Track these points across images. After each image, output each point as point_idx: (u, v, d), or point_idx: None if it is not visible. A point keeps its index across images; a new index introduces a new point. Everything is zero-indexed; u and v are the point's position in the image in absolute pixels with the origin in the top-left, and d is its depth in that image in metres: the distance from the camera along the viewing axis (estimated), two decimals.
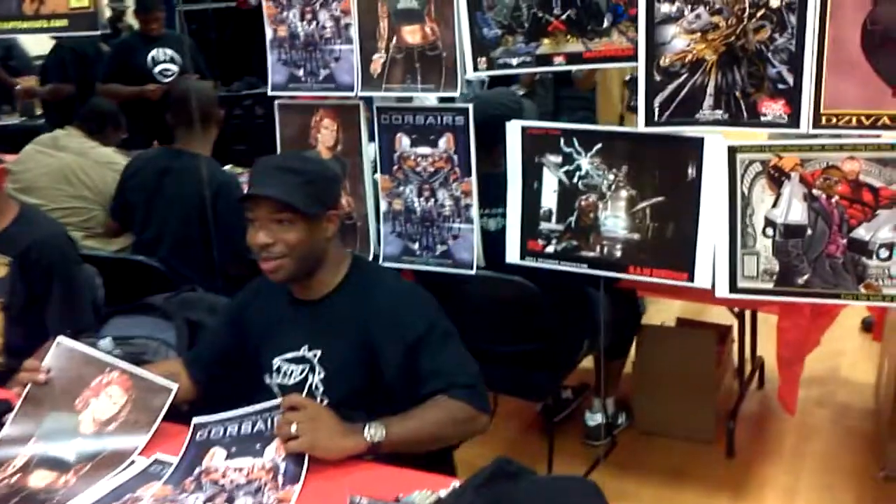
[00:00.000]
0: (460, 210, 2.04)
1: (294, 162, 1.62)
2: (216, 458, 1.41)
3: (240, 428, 1.45)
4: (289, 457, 1.36)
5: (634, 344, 2.85)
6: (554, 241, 1.95)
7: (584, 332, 2.47)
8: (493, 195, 2.05)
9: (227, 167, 4.08)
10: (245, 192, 1.63)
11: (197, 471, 1.39)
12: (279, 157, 1.86)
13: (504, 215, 2.04)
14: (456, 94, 1.93)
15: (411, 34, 1.95)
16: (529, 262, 1.99)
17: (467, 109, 1.96)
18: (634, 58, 1.73)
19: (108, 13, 6.65)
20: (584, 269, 1.94)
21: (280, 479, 1.34)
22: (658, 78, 1.71)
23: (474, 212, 2.02)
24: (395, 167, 2.08)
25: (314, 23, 2.05)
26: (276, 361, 1.62)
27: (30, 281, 2.19)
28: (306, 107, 2.17)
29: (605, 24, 1.75)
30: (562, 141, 1.89)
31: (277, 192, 1.50)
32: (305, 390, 1.55)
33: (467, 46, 1.88)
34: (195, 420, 1.49)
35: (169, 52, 4.46)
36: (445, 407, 1.48)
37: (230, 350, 1.71)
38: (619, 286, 2.20)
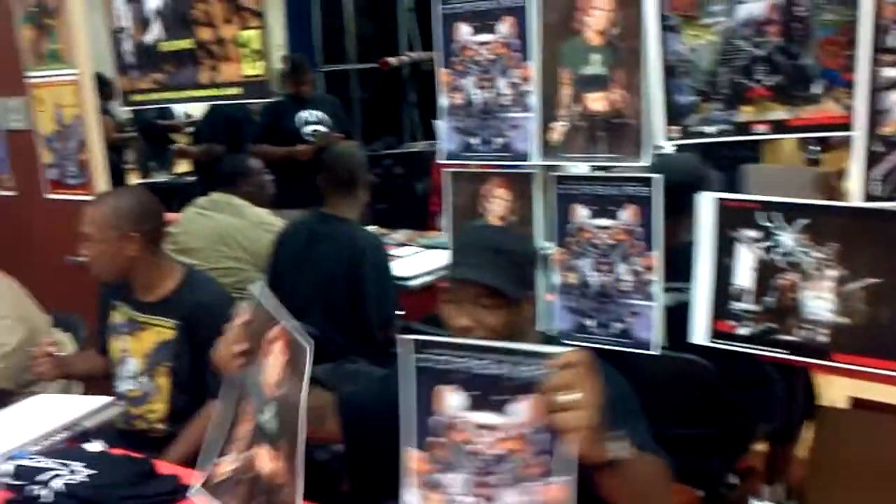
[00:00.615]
0: (641, 286, 1.91)
1: (501, 240, 1.57)
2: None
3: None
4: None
5: (808, 426, 2.62)
6: (748, 323, 1.80)
7: (760, 414, 2.29)
8: (670, 269, 1.91)
9: (371, 228, 4.11)
10: (450, 271, 1.56)
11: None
12: (485, 234, 1.75)
13: (681, 290, 1.91)
14: (643, 163, 1.82)
15: (596, 101, 1.86)
16: (719, 345, 1.84)
17: (654, 180, 1.85)
18: (848, 126, 1.58)
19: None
20: (782, 355, 1.77)
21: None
22: (879, 148, 1.55)
23: (657, 288, 1.89)
24: (571, 239, 1.98)
25: (492, 90, 2.00)
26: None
27: (196, 345, 2.19)
28: (477, 175, 2.11)
29: (816, 90, 1.61)
30: (760, 214, 1.75)
31: (488, 278, 1.43)
32: None
33: (659, 114, 1.78)
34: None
35: (317, 113, 4.57)
36: (666, 470, 1.31)
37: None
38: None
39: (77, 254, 2.54)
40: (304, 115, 4.55)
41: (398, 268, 3.17)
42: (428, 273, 3.23)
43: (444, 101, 2.09)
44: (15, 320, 2.51)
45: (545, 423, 1.08)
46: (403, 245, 3.83)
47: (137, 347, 2.29)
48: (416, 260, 3.49)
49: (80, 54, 2.94)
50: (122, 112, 5.91)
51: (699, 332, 1.85)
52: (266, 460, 1.41)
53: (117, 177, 6.10)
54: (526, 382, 1.08)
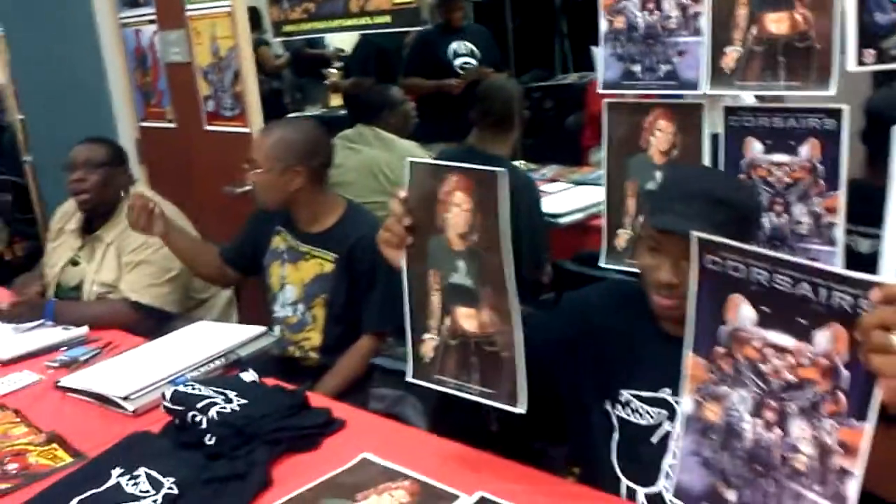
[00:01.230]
0: (821, 229, 1.73)
1: (720, 187, 1.40)
2: None
3: None
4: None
5: None
6: None
7: None
8: (871, 210, 1.71)
9: (519, 163, 4.00)
10: (652, 215, 1.43)
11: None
12: (701, 177, 1.52)
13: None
14: (830, 93, 1.63)
15: (777, 22, 1.66)
16: None
17: (840, 111, 1.65)
18: None
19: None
20: None
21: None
22: None
23: (839, 232, 1.71)
24: (742, 176, 1.82)
25: (657, 12, 1.83)
26: (626, 394, 1.44)
27: (353, 279, 2.21)
28: (639, 106, 1.96)
29: None
30: None
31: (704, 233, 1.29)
32: (657, 439, 1.36)
33: (852, 34, 1.57)
34: None
35: (468, 45, 4.46)
36: None
37: (562, 341, 1.56)
38: None
39: (234, 183, 2.60)
40: (455, 46, 4.44)
41: (547, 204, 3.06)
42: (578, 210, 3.11)
43: (604, 24, 1.94)
44: None
45: (852, 360, 0.95)
46: (553, 181, 3.71)
47: (297, 276, 2.33)
48: (565, 196, 3.37)
49: None
50: (279, 44, 6.02)
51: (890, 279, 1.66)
52: (468, 318, 1.36)
53: (279, 108, 6.27)
54: (834, 310, 0.95)
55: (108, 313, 2.48)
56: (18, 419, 1.84)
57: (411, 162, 1.42)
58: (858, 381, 0.95)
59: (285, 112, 6.52)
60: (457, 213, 1.33)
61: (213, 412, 1.61)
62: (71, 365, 2.14)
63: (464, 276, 1.36)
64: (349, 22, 2.53)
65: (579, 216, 3.09)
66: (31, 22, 3.92)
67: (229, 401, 1.66)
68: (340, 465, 1.51)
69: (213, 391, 1.69)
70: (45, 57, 3.90)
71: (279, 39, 3.20)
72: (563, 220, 3.05)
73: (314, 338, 2.30)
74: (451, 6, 4.46)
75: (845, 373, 0.97)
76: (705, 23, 1.77)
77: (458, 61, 4.42)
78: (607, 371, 1.48)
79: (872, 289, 0.92)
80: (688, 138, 1.88)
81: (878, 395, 0.93)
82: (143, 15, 3.44)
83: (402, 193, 1.39)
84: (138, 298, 2.49)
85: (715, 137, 1.86)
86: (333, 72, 5.63)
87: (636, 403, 1.43)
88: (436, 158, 3.14)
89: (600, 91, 1.99)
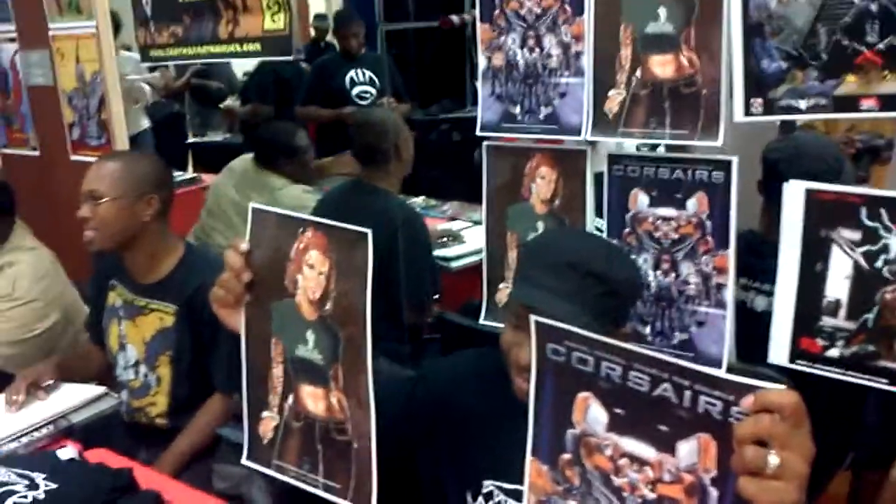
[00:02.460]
0: (709, 290, 1.60)
1: (600, 261, 1.23)
2: None
3: None
4: None
5: None
6: (840, 343, 1.47)
7: (848, 443, 1.97)
8: (768, 265, 1.57)
9: (418, 199, 3.84)
10: (514, 286, 1.27)
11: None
12: (579, 247, 1.31)
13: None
14: (716, 143, 1.50)
15: (662, 65, 1.53)
16: (801, 367, 1.52)
17: (729, 163, 1.52)
18: None
19: (312, 33, 6.68)
20: (881, 384, 1.44)
21: None
22: None
23: (729, 295, 1.57)
24: (627, 231, 1.67)
25: (537, 50, 1.69)
26: (489, 485, 1.26)
27: (196, 331, 1.97)
28: (520, 150, 1.80)
29: None
30: (863, 212, 1.41)
31: (565, 312, 1.11)
32: None
33: (739, 83, 1.45)
34: None
35: (367, 72, 4.30)
36: None
37: (419, 419, 1.37)
38: None
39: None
40: (353, 74, 4.29)
41: (442, 247, 2.90)
42: (472, 253, 2.94)
43: (482, 61, 1.78)
44: (48, 304, 2.35)
45: (722, 476, 0.79)
46: (453, 219, 3.54)
47: (136, 334, 2.07)
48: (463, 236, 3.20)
49: (98, 4, 2.71)
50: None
51: (779, 350, 1.53)
52: (314, 399, 1.16)
53: (181, 133, 5.98)
54: (701, 417, 0.79)
55: None
56: None
57: (255, 209, 1.20)
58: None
59: (186, 138, 6.25)
60: (310, 276, 1.13)
61: (10, 503, 1.37)
62: None
63: (312, 349, 1.16)
64: (218, 49, 2.32)
65: (473, 259, 2.91)
66: None
67: (34, 487, 1.42)
68: None
69: (16, 475, 1.44)
70: None
71: (146, 65, 2.96)
72: (454, 264, 2.88)
73: (160, 402, 2.05)
74: (346, 33, 4.30)
75: (714, 492, 0.80)
76: (588, 63, 1.63)
77: (355, 90, 4.27)
78: (468, 458, 1.30)
79: (746, 395, 0.76)
80: (571, 186, 1.73)
81: None
82: (4, 32, 3.15)
83: (244, 245, 1.18)
84: None
85: (601, 180, 1.72)
86: (228, 103, 5.41)
87: (500, 496, 1.26)
88: (326, 193, 2.96)
89: (479, 133, 1.82)
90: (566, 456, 0.91)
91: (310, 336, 1.15)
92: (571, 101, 1.66)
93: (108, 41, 2.75)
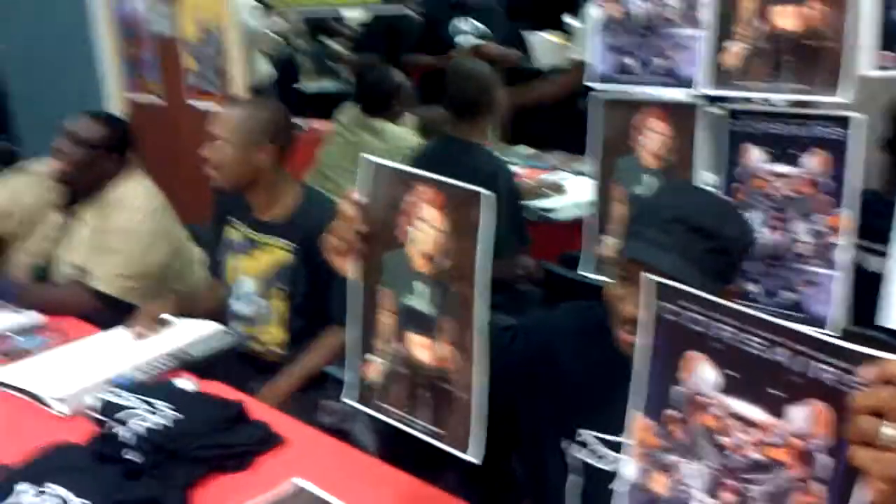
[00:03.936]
0: (822, 250, 1.55)
1: (710, 217, 1.20)
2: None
3: None
4: None
5: None
6: None
7: None
8: (884, 226, 1.51)
9: (520, 148, 3.82)
10: (623, 242, 1.27)
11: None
12: (689, 202, 1.27)
13: None
14: (841, 99, 1.44)
15: (786, 17, 1.48)
16: None
17: (854, 120, 1.47)
18: None
19: None
20: None
21: None
22: None
23: (843, 255, 1.53)
24: (740, 186, 1.64)
25: (656, 1, 1.65)
26: (585, 434, 1.28)
27: (313, 269, 2.05)
28: (631, 103, 1.78)
29: None
30: None
31: (670, 264, 1.12)
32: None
33: (869, 34, 1.39)
34: None
35: (473, 22, 4.25)
36: None
37: (520, 367, 1.39)
38: None
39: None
40: (458, 23, 4.24)
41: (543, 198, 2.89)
42: (575, 205, 2.91)
43: (597, 11, 1.76)
44: (158, 237, 2.42)
45: (835, 445, 0.78)
46: (555, 170, 3.51)
47: (253, 267, 2.18)
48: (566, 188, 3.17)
49: None
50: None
51: (890, 312, 1.48)
52: (422, 348, 1.20)
53: (292, 76, 6.07)
54: (816, 383, 0.78)
55: (69, 300, 2.32)
56: None
57: (369, 161, 1.23)
58: (841, 473, 0.78)
59: (296, 81, 6.35)
60: (424, 229, 1.15)
61: (135, 423, 1.47)
62: (15, 355, 2.00)
63: (423, 300, 1.19)
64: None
65: (576, 212, 2.89)
66: None
67: (156, 413, 1.51)
68: (268, 489, 1.37)
69: (141, 401, 1.54)
70: (33, 21, 3.76)
71: (274, 14, 3.04)
72: (556, 216, 2.86)
73: (274, 332, 2.16)
74: None
75: (825, 460, 0.79)
76: (708, 14, 1.59)
77: (461, 39, 4.22)
78: (566, 406, 1.32)
79: (866, 364, 0.75)
80: (681, 141, 1.70)
81: (862, 498, 0.75)
82: None
83: (357, 196, 1.22)
84: (105, 288, 2.33)
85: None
86: (336, 46, 5.46)
87: (598, 446, 1.27)
88: (417, 149, 2.98)
89: (589, 83, 1.81)
90: (672, 412, 0.91)
91: (419, 287, 1.18)
92: (688, 54, 1.63)
93: None
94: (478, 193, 1.07)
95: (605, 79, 1.78)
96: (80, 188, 2.45)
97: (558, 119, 5.03)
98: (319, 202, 2.16)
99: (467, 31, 4.23)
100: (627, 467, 0.97)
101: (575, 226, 2.84)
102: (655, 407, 0.93)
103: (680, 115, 1.70)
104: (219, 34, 2.90)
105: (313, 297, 2.09)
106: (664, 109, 1.72)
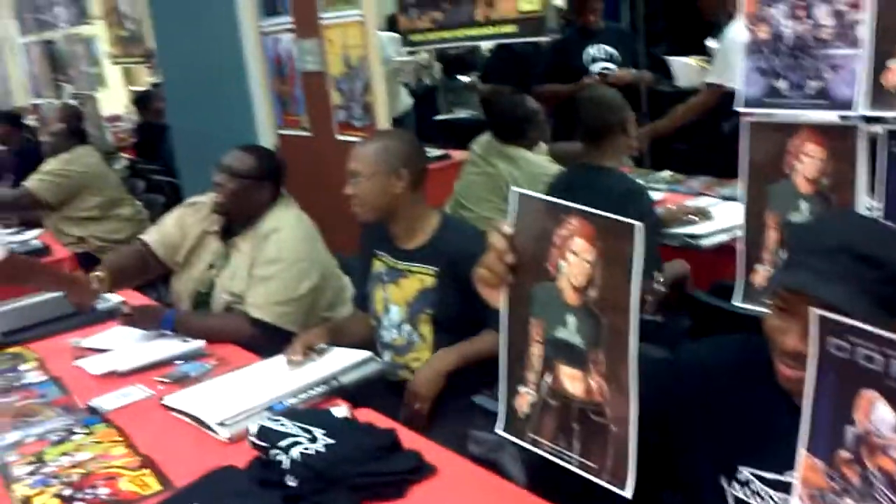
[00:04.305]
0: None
1: (877, 243, 1.13)
2: None
3: None
4: None
5: None
6: None
7: None
8: None
9: (664, 174, 3.75)
10: (780, 271, 1.24)
11: None
12: (853, 229, 1.20)
13: None
14: None
15: None
16: None
17: None
18: None
19: (557, 8, 6.66)
20: None
21: None
22: None
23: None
24: None
25: (808, 21, 1.60)
26: (746, 472, 1.24)
27: (457, 290, 2.11)
28: (783, 127, 1.72)
29: None
30: None
31: (835, 295, 1.06)
32: None
33: None
34: None
35: (607, 48, 4.21)
36: None
37: (676, 402, 1.36)
38: None
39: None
40: (592, 51, 4.19)
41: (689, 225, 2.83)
42: (722, 231, 2.83)
43: (746, 34, 1.72)
44: (310, 264, 2.53)
45: None
46: (701, 195, 3.43)
47: (399, 296, 2.25)
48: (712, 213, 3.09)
49: None
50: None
51: None
52: (573, 380, 1.21)
53: (432, 108, 6.22)
54: None
55: (227, 328, 2.45)
56: (120, 438, 1.84)
57: (520, 194, 1.25)
58: None
59: (437, 112, 6.49)
60: (576, 262, 1.16)
61: (296, 452, 1.53)
62: (181, 381, 2.13)
63: (573, 332, 1.19)
64: (475, 31, 2.42)
65: (723, 238, 2.81)
66: (181, 27, 4.05)
67: (314, 440, 1.57)
68: None
69: (300, 428, 1.61)
70: (192, 62, 4.02)
71: (406, 49, 3.12)
72: (703, 242, 2.79)
73: (423, 357, 2.22)
74: (583, 9, 4.19)
75: None
76: (866, 32, 1.52)
77: (595, 67, 4.17)
78: (725, 443, 1.28)
79: None
80: (840, 165, 1.63)
81: None
82: (282, 24, 3.46)
83: (507, 228, 1.24)
84: (260, 315, 2.45)
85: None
86: (466, 79, 5.55)
87: (757, 485, 1.23)
88: (554, 176, 2.98)
89: (739, 108, 1.76)
90: (845, 454, 0.88)
91: (570, 319, 1.18)
92: (845, 74, 1.56)
93: (373, 28, 2.94)
94: (631, 225, 1.06)
95: (753, 103, 1.74)
96: (237, 218, 2.59)
97: (702, 143, 4.92)
98: (457, 226, 2.25)
99: (602, 58, 4.19)
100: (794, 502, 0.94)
101: (723, 253, 2.79)
102: (826, 447, 0.89)
103: (836, 138, 1.63)
104: (364, 68, 3.00)
105: (460, 320, 2.13)
106: (820, 132, 1.66)
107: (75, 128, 4.82)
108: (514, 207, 1.24)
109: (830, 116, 1.64)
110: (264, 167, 2.57)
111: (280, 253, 2.46)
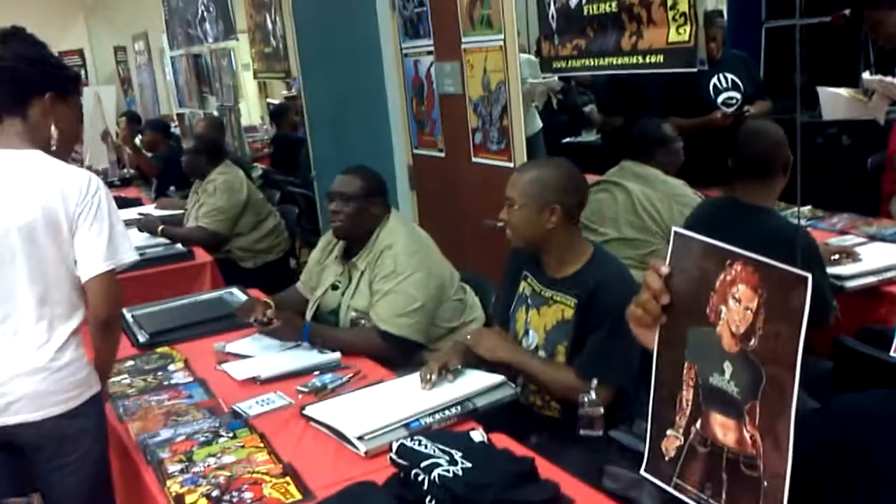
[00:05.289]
0: None
1: None
2: None
3: None
4: None
5: None
6: None
7: None
8: None
9: (805, 208, 3.61)
10: None
11: None
12: None
13: None
14: None
15: None
16: None
17: None
18: None
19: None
20: None
21: None
22: None
23: None
24: None
25: None
26: None
27: (589, 325, 2.11)
28: None
29: None
30: None
31: None
32: None
33: None
34: None
35: (731, 76, 4.04)
36: None
37: (830, 453, 1.31)
38: None
39: (494, 218, 2.56)
40: (716, 81, 3.97)
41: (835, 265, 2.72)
42: (869, 273, 2.71)
43: None
44: (426, 275, 2.59)
45: None
46: (844, 233, 3.28)
47: (539, 322, 2.26)
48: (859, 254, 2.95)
49: (507, 20, 2.93)
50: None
51: None
52: (724, 429, 1.18)
53: (559, 131, 6.20)
54: None
55: (358, 341, 2.54)
56: (262, 444, 1.91)
57: (678, 233, 1.22)
58: None
59: (563, 136, 6.46)
60: (737, 309, 1.12)
61: (436, 473, 1.56)
62: (319, 392, 2.21)
63: (729, 381, 1.16)
64: (620, 60, 2.40)
65: (870, 280, 2.69)
66: (324, 44, 4.20)
67: (454, 462, 1.60)
68: None
69: (440, 449, 1.64)
70: (333, 79, 4.15)
71: (546, 75, 3.13)
72: (848, 284, 2.67)
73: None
74: (707, 34, 3.98)
75: None
76: None
77: (721, 97, 3.99)
78: (885, 499, 1.22)
79: None
80: None
81: None
82: (423, 46, 3.53)
83: (664, 269, 1.22)
84: (386, 328, 2.52)
85: None
86: (587, 109, 5.52)
87: None
88: (698, 207, 2.92)
89: None
90: None
91: (727, 367, 1.15)
92: None
93: (514, 53, 2.96)
94: (804, 278, 1.03)
95: None
96: (354, 238, 2.71)
97: (843, 177, 4.71)
98: (605, 261, 2.22)
99: (727, 87, 4.02)
100: None
101: (869, 296, 2.66)
102: None
103: None
104: (503, 91, 3.03)
105: (591, 354, 2.12)
106: None
107: (219, 142, 5.01)
108: (672, 247, 1.22)
109: None
110: (372, 185, 2.70)
111: (396, 267, 2.55)
